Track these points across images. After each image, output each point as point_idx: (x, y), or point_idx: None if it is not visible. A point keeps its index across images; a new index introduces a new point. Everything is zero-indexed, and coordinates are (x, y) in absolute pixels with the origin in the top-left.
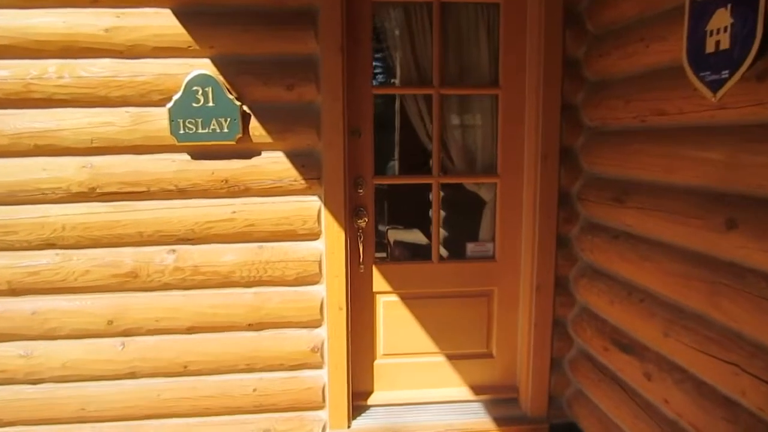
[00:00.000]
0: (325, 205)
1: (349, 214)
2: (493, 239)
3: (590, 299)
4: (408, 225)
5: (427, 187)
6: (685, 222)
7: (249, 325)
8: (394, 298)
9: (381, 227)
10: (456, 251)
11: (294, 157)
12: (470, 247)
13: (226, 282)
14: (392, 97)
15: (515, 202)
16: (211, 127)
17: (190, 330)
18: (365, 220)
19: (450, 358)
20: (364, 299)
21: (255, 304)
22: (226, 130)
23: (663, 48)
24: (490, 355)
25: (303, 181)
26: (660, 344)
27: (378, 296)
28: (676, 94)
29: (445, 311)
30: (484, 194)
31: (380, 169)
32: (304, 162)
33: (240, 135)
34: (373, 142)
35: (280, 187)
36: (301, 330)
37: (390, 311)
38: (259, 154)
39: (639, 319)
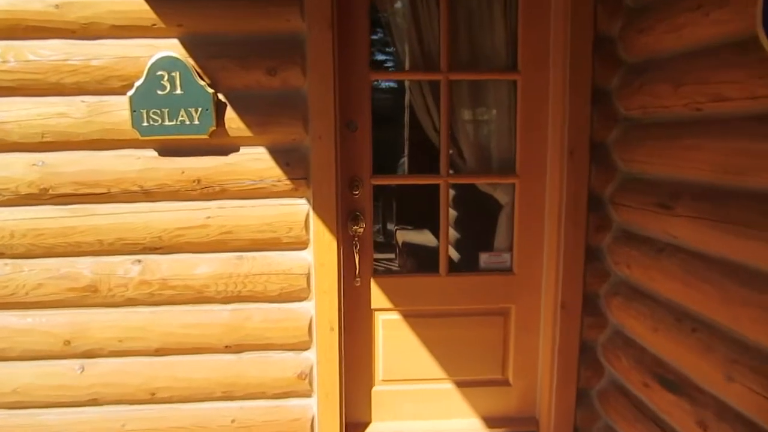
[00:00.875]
0: (314, 209)
1: (342, 219)
2: (510, 248)
3: (626, 322)
4: (414, 230)
5: (435, 189)
6: (759, 236)
7: (226, 347)
8: (395, 316)
9: (382, 233)
10: (467, 262)
11: (277, 153)
12: (484, 258)
13: (199, 297)
14: (396, 86)
15: (537, 206)
16: (180, 118)
17: (159, 352)
18: (362, 227)
19: (459, 385)
20: (360, 317)
21: (233, 323)
22: (197, 122)
23: (725, 16)
24: (505, 383)
25: (288, 182)
26: (720, 387)
27: (377, 314)
28: (744, 75)
29: (454, 332)
30: (501, 196)
31: (382, 168)
32: (289, 159)
33: (213, 128)
34: (372, 136)
35: (262, 188)
36: (286, 353)
37: (390, 331)
38: (237, 150)
39: (691, 353)
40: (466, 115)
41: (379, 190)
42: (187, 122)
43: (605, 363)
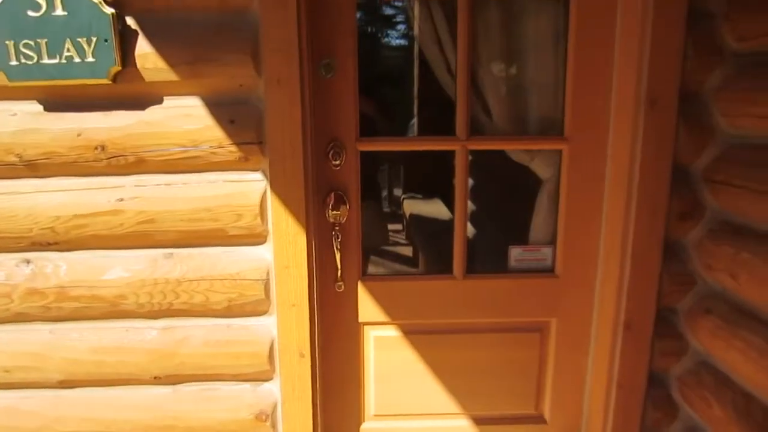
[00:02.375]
0: (273, 187)
1: (316, 201)
2: (552, 241)
3: (721, 353)
4: (424, 200)
5: (450, 157)
6: None
7: (155, 378)
8: (391, 332)
9: (388, 201)
10: (493, 259)
11: (217, 106)
12: (515, 254)
13: (114, 312)
14: (395, 10)
15: (593, 183)
16: (65, 53)
17: (64, 384)
18: (345, 210)
19: (478, 422)
20: (343, 334)
21: (163, 347)
22: (91, 60)
23: None
24: (539, 419)
25: (234, 148)
26: None
27: (367, 329)
28: None
29: (472, 353)
30: (540, 169)
31: (376, 128)
32: (235, 115)
33: (118, 68)
34: (358, 81)
35: (196, 157)
36: (239, 385)
37: (385, 351)
38: (158, 101)
39: None
40: (494, 52)
41: (380, 157)
42: (77, 59)
43: (681, 402)
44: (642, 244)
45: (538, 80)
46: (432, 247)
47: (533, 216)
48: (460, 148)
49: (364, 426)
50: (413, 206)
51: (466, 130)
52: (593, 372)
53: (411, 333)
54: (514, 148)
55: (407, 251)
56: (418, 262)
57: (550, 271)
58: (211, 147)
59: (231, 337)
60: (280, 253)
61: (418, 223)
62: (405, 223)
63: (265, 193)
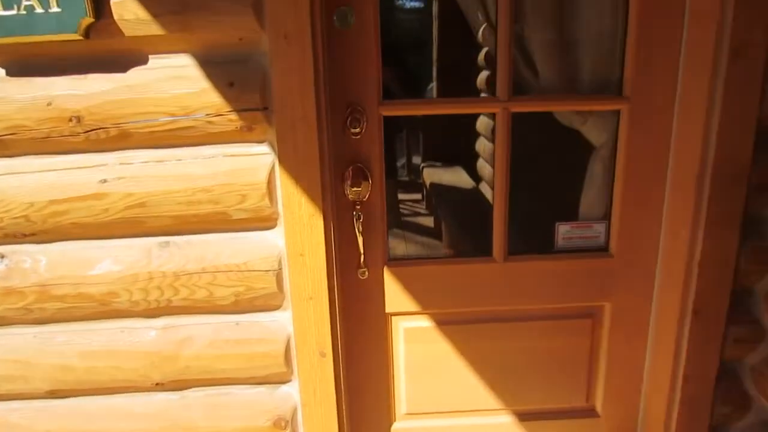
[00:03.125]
0: (281, 161)
1: (333, 177)
2: (606, 216)
3: None
4: (444, 167)
5: (472, 121)
6: None
7: (156, 384)
8: (423, 322)
9: (406, 169)
10: (537, 238)
11: (212, 66)
12: (563, 232)
13: (105, 311)
14: None
15: (656, 147)
16: (24, 2)
17: (54, 394)
18: (368, 187)
19: (523, 417)
20: (369, 326)
21: (164, 349)
22: (56, 10)
23: None
24: (591, 413)
25: (234, 116)
26: None
27: (395, 320)
28: None
29: (515, 343)
30: (593, 133)
31: (398, 90)
32: (234, 76)
33: (91, 20)
34: (380, 36)
35: (190, 128)
36: (254, 389)
37: (417, 345)
38: (143, 61)
39: None
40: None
41: (398, 123)
42: (39, 10)
43: (756, 394)
44: (718, 216)
45: (593, 31)
46: (455, 218)
47: (583, 188)
48: (500, 110)
49: (395, 426)
50: (433, 175)
51: (508, 89)
52: (653, 361)
53: (445, 323)
54: (565, 109)
55: (428, 222)
56: (440, 234)
57: (603, 249)
58: (207, 115)
59: (240, 336)
60: (293, 239)
61: (439, 192)
62: (425, 192)
63: (273, 168)
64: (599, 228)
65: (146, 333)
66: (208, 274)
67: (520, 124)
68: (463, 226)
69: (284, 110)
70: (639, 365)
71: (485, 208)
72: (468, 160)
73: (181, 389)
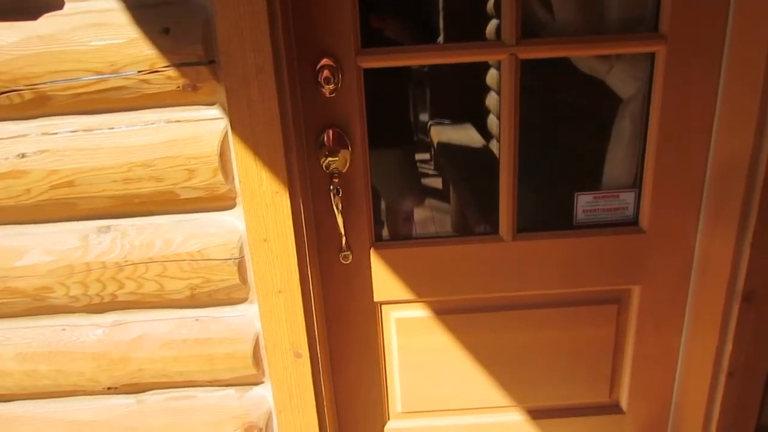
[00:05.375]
0: (234, 127)
1: (301, 144)
2: (634, 184)
3: None
4: (453, 126)
5: (482, 71)
6: None
7: (108, 388)
8: (418, 312)
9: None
10: (552, 212)
11: (141, 9)
12: (584, 203)
13: (41, 306)
14: None
15: (699, 98)
16: None
17: None
18: (346, 155)
19: (536, 415)
20: (356, 317)
21: (112, 350)
22: None
23: None
24: (615, 409)
25: (173, 72)
26: None
27: (385, 310)
28: None
29: (526, 334)
30: (621, 83)
31: (381, 35)
32: (169, 20)
33: None
34: None
35: (121, 89)
36: (221, 391)
37: (411, 337)
38: (57, 5)
39: None
40: None
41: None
42: None
43: None
44: None
45: None
46: (463, 179)
47: (609, 150)
48: (507, 56)
49: (389, 425)
50: (441, 133)
51: (516, 31)
52: (689, 353)
53: (444, 312)
54: (586, 54)
55: (437, 183)
56: (448, 196)
57: (632, 223)
58: (139, 72)
59: (200, 335)
60: (255, 222)
61: (447, 152)
62: (432, 152)
63: (226, 137)
64: (627, 198)
65: (91, 332)
66: (156, 264)
67: (531, 75)
68: (472, 187)
69: (233, 62)
70: (672, 357)
71: (496, 168)
72: (478, 117)
73: (136, 393)
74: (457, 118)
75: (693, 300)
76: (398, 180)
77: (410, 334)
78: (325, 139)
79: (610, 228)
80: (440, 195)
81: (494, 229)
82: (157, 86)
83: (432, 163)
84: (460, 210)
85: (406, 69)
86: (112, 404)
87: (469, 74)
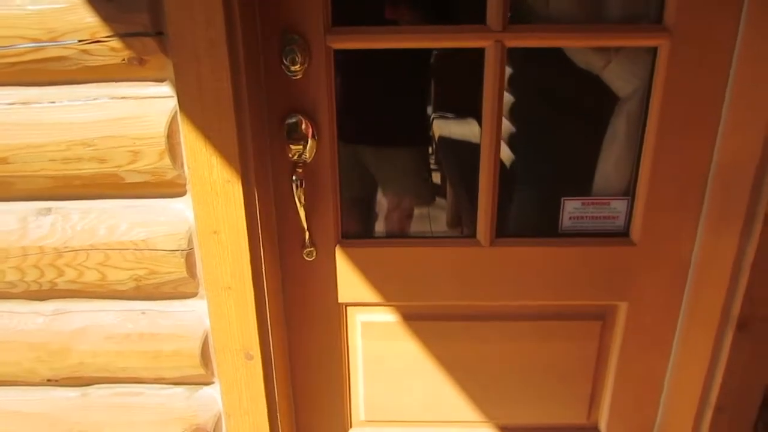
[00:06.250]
0: (182, 106)
1: (261, 128)
2: (627, 191)
3: None
4: (456, 120)
5: (478, 61)
6: None
7: (48, 380)
8: (385, 316)
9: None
10: (536, 217)
11: None
12: (571, 209)
13: None
14: None
15: (705, 103)
16: None
17: None
18: (312, 144)
19: None
20: (318, 318)
21: (52, 340)
22: None
23: None
24: (593, 431)
25: (117, 43)
26: None
27: (351, 312)
28: None
29: (501, 346)
30: (618, 79)
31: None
32: None
33: None
34: None
35: (60, 59)
36: (169, 389)
37: (377, 342)
38: None
39: None
40: None
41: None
42: None
43: None
44: None
45: None
46: (460, 176)
47: (601, 152)
48: (491, 44)
49: None
50: (443, 127)
51: (503, 15)
52: (675, 381)
53: (414, 318)
54: (580, 45)
55: (435, 178)
56: (445, 191)
57: (622, 234)
58: (80, 42)
59: (146, 330)
60: (204, 212)
61: (447, 146)
62: (434, 145)
63: (175, 116)
64: (619, 206)
65: (32, 320)
66: (98, 252)
67: (519, 66)
68: (467, 185)
69: (182, 34)
70: (657, 382)
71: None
72: (482, 113)
73: (80, 386)
74: (460, 112)
75: (684, 322)
76: (404, 178)
77: (376, 338)
78: (290, 125)
79: (598, 238)
80: (438, 190)
81: (472, 233)
82: (100, 58)
83: (433, 156)
84: (456, 207)
85: (422, 61)
86: (54, 396)
87: (475, 67)
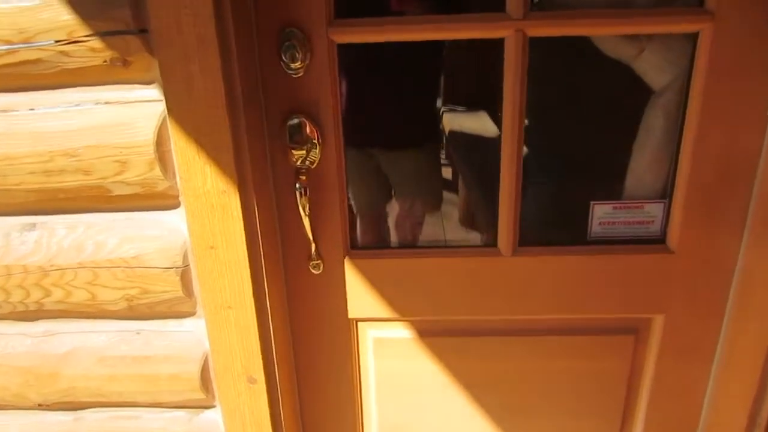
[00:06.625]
0: (170, 111)
1: (259, 133)
2: (664, 194)
3: None
4: (467, 113)
5: (489, 50)
6: None
7: (39, 404)
8: (400, 332)
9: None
10: (563, 223)
11: None
12: (601, 214)
13: None
14: None
15: (753, 94)
16: None
17: None
18: (316, 147)
19: None
20: (326, 335)
21: (40, 364)
22: None
23: None
24: None
25: (97, 42)
26: None
27: (362, 328)
28: None
29: (524, 364)
30: (651, 70)
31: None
32: None
33: None
34: None
35: (36, 62)
36: (168, 413)
37: (391, 360)
38: None
39: None
40: None
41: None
42: None
43: None
44: None
45: None
46: (472, 171)
47: (634, 151)
48: (511, 33)
49: None
50: (454, 121)
51: (524, 1)
52: (718, 401)
53: (431, 335)
54: (611, 32)
55: (447, 173)
56: (457, 186)
57: (658, 241)
58: (57, 42)
59: (141, 352)
60: (199, 226)
61: (458, 141)
62: (444, 140)
63: (164, 122)
64: (654, 210)
65: (20, 341)
66: (86, 270)
67: (541, 57)
68: (481, 181)
69: (168, 30)
70: (696, 400)
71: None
72: (494, 105)
73: (72, 411)
74: (471, 105)
75: (727, 337)
76: (416, 183)
77: (390, 356)
78: (292, 127)
79: (631, 245)
80: (450, 187)
81: (492, 240)
82: (80, 60)
83: (443, 151)
84: (468, 203)
85: (433, 54)
86: (46, 420)
87: (488, 58)
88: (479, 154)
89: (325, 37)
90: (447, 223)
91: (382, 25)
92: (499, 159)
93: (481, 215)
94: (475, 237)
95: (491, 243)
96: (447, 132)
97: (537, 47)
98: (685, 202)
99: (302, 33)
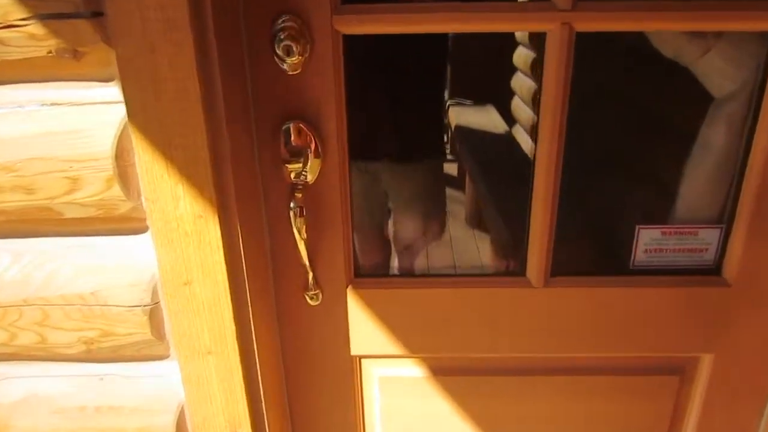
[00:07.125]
0: (131, 115)
1: (249, 142)
2: (721, 219)
3: None
4: (474, 107)
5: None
6: None
7: None
8: (409, 370)
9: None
10: (600, 249)
11: None
12: (647, 240)
13: None
14: None
15: None
16: None
17: None
18: (316, 163)
19: None
20: (325, 374)
21: None
22: None
23: None
24: None
25: (38, 27)
26: None
27: (366, 366)
28: None
29: (555, 406)
30: (714, 74)
31: None
32: None
33: None
34: None
35: None
36: None
37: (399, 401)
38: None
39: None
40: None
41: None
42: None
43: None
44: None
45: None
46: (480, 168)
47: (687, 169)
48: (556, 26)
49: None
50: (460, 115)
51: None
52: None
53: (445, 373)
54: (678, 27)
55: (452, 169)
56: (463, 184)
57: (712, 272)
58: None
59: (104, 401)
60: (170, 258)
61: (465, 136)
62: (450, 134)
63: (126, 129)
64: (708, 236)
65: None
66: (33, 308)
67: (583, 55)
68: (489, 178)
69: (127, 13)
70: None
71: (517, 156)
72: (502, 99)
73: None
74: (478, 99)
75: None
76: (419, 201)
77: (398, 396)
78: (285, 136)
79: (681, 276)
80: (456, 184)
81: (520, 268)
82: (18, 49)
83: (449, 146)
84: (475, 202)
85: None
86: None
87: (498, 52)
88: (488, 151)
89: (329, 27)
90: (452, 222)
91: (400, 13)
92: (508, 153)
93: (486, 210)
94: (491, 263)
95: (520, 272)
96: (453, 127)
97: (580, 44)
98: (749, 229)
99: (301, 21)
